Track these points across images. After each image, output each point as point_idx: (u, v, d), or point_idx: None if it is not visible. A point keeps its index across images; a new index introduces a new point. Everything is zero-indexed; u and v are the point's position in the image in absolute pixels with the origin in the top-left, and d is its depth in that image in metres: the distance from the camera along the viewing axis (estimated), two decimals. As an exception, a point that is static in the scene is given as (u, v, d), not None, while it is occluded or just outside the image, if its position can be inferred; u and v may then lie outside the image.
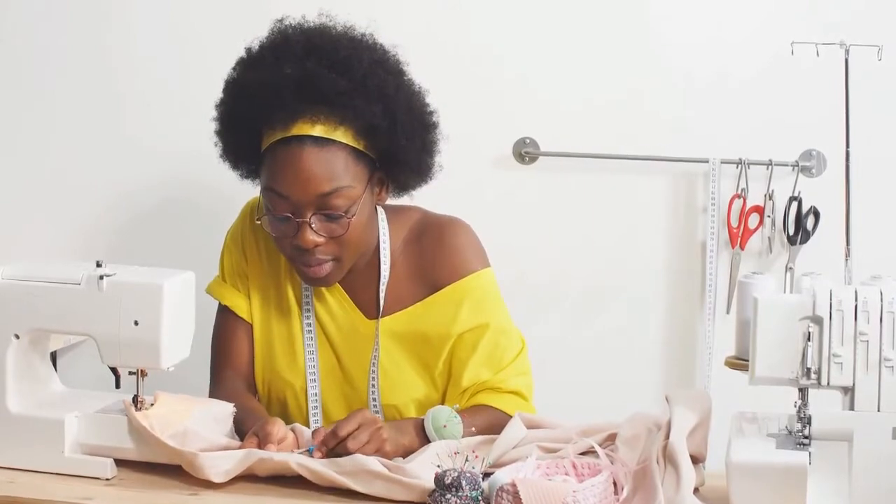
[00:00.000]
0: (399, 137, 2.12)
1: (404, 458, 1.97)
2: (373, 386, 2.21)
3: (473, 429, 2.05)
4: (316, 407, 2.22)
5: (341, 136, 2.08)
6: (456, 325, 2.19)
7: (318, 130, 2.07)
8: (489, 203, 2.86)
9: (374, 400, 2.21)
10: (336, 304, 2.23)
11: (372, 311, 2.22)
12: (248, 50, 2.17)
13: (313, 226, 2.09)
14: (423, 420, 2.08)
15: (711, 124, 2.82)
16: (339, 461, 1.88)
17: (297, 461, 1.88)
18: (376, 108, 2.08)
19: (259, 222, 2.15)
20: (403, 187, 2.23)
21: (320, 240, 2.10)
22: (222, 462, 1.88)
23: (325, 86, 2.06)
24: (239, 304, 2.27)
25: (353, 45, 2.13)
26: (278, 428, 1.96)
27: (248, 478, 1.90)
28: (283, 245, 2.14)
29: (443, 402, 2.20)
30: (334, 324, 2.24)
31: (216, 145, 2.20)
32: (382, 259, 2.21)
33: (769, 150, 2.79)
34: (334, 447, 1.94)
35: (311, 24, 2.16)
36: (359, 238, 2.14)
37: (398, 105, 2.11)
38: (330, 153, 2.07)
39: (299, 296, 2.24)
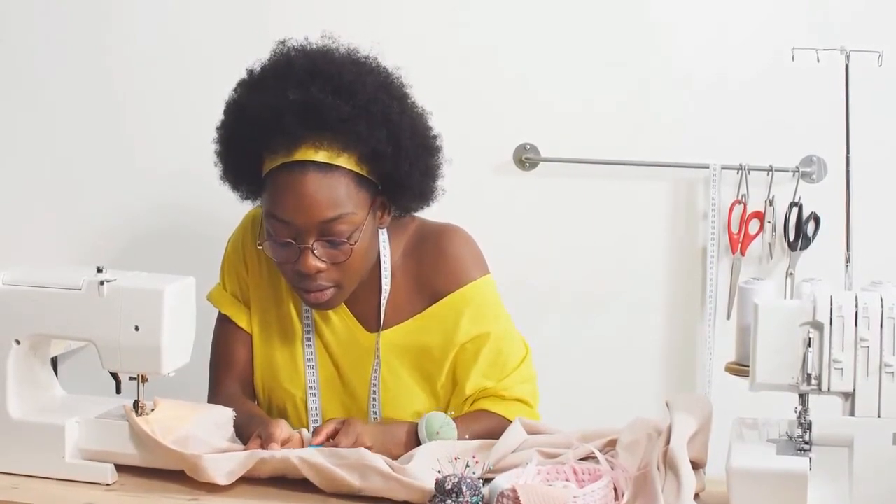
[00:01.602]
0: (402, 163, 2.10)
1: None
2: (373, 399, 2.21)
3: (468, 436, 2.05)
4: (316, 420, 2.21)
5: (344, 161, 2.06)
6: (457, 336, 2.18)
7: (321, 156, 2.05)
8: (490, 209, 2.86)
9: (375, 412, 2.21)
10: (336, 317, 2.22)
11: (372, 323, 2.21)
12: (250, 72, 2.14)
13: (315, 252, 2.07)
14: (416, 425, 2.08)
15: (712, 130, 2.82)
16: (343, 453, 1.88)
17: (298, 456, 1.88)
18: (380, 133, 2.06)
19: (261, 248, 2.14)
20: (405, 210, 2.21)
21: (322, 265, 2.08)
22: (225, 464, 1.88)
23: (330, 112, 2.03)
24: (238, 314, 2.26)
25: (357, 69, 2.10)
26: (281, 429, 1.97)
27: (249, 482, 1.90)
28: (284, 270, 2.13)
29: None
30: (334, 336, 2.23)
31: (216, 165, 2.18)
32: (383, 273, 2.19)
33: (770, 155, 2.79)
34: None
35: (315, 47, 2.13)
36: (360, 263, 2.12)
37: (402, 130, 2.09)
38: (333, 179, 2.05)
39: (299, 307, 2.23)
